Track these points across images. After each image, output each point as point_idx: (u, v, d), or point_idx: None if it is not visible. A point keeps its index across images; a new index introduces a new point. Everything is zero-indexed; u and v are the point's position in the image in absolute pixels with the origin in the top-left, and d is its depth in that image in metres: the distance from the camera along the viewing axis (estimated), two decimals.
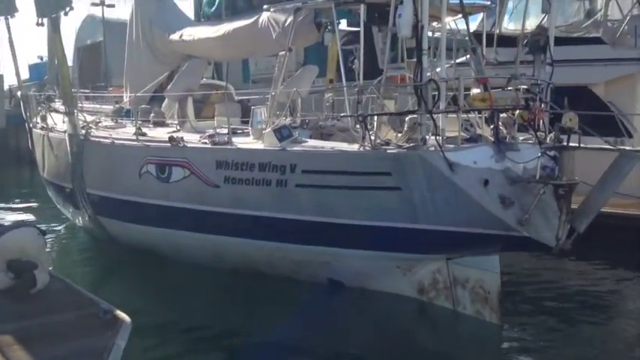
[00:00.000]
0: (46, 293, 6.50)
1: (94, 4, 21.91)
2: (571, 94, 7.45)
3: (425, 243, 7.11)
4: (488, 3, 8.18)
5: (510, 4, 15.00)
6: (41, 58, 17.38)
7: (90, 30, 21.46)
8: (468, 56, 8.58)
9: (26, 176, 20.68)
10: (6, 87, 26.65)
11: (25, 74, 15.90)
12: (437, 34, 8.13)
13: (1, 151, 23.28)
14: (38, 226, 7.15)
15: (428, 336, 7.59)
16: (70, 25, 18.41)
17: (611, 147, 7.30)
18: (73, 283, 6.86)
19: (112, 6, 21.81)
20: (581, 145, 6.59)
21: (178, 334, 7.35)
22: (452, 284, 7.48)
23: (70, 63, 15.16)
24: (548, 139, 7.10)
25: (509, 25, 15.36)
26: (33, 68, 18.87)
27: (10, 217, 13.37)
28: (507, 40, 11.64)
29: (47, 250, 7.49)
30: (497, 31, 9.45)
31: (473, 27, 9.00)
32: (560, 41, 12.40)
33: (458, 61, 9.52)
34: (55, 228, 13.03)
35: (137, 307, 7.28)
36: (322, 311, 7.85)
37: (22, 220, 7.28)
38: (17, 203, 16.22)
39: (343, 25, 13.61)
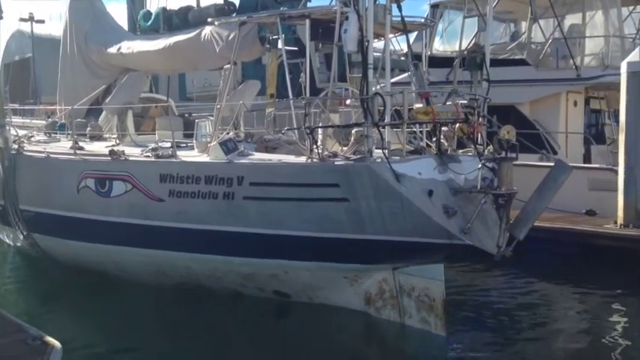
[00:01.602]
0: None
1: (22, 20, 21.11)
2: (499, 113, 7.85)
3: (372, 253, 7.25)
4: (428, 21, 8.47)
5: (440, 27, 15.66)
6: None
7: (18, 46, 20.66)
8: (404, 75, 8.89)
9: None
10: None
11: None
12: (376, 54, 8.37)
13: None
14: None
15: (374, 352, 7.68)
16: None
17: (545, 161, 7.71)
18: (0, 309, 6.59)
19: (42, 21, 21.04)
20: (518, 157, 6.96)
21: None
22: (398, 293, 7.65)
23: None
24: (486, 151, 7.44)
25: (439, 47, 16.01)
26: None
27: None
28: (438, 61, 12.16)
29: None
30: (428, 53, 9.79)
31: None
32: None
33: (392, 80, 9.83)
34: None
35: (69, 333, 7.12)
36: (268, 329, 7.82)
37: None
38: None
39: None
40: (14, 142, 10.28)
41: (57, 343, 5.53)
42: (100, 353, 7.29)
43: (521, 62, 13.60)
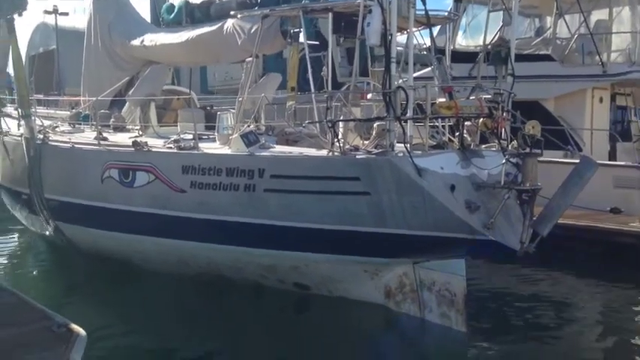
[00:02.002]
0: None
1: (47, 12, 21.35)
2: (523, 109, 7.76)
3: (393, 247, 7.24)
4: (451, 15, 8.37)
5: (463, 21, 15.49)
6: None
7: (43, 38, 20.91)
8: (426, 69, 8.78)
9: None
10: None
11: None
12: (398, 48, 8.32)
13: None
14: None
15: (394, 347, 7.66)
16: (23, 33, 17.82)
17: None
18: (26, 296, 6.69)
19: (66, 14, 21.28)
20: (543, 153, 6.87)
21: (135, 349, 7.24)
22: (418, 287, 7.63)
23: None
24: (510, 146, 7.35)
25: (462, 42, 15.84)
26: None
27: None
28: (461, 56, 12.03)
29: None
30: (451, 47, 9.69)
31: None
32: None
33: (415, 74, 9.77)
34: (9, 239, 12.65)
35: (94, 321, 7.17)
36: (289, 323, 7.86)
37: None
38: None
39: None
40: (39, 132, 10.41)
41: (82, 331, 5.60)
42: (122, 342, 7.38)
43: (547, 58, 13.40)
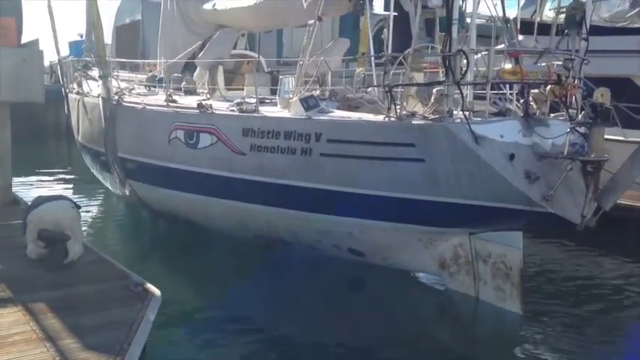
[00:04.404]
0: (78, 264, 6.73)
1: None
2: (613, 86, 7.24)
3: (447, 216, 7.06)
4: None
5: None
6: (81, 36, 17.52)
7: (129, 9, 21.61)
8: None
9: (64, 151, 21.14)
10: (47, 63, 27.09)
11: (64, 51, 16.19)
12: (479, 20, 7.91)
13: (41, 127, 23.67)
14: (74, 199, 7.36)
15: (447, 328, 7.58)
16: (109, 7, 18.46)
17: None
18: (107, 255, 7.05)
19: None
20: (614, 122, 6.44)
21: (208, 312, 7.46)
22: (473, 259, 7.43)
23: (108, 42, 15.30)
24: (580, 116, 6.95)
25: (549, 13, 14.94)
26: (72, 45, 19.03)
27: (48, 192, 13.70)
28: (549, 28, 11.32)
29: (82, 222, 7.66)
30: (538, 19, 9.15)
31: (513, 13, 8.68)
32: (603, 31, 12.08)
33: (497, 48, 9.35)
34: (92, 202, 13.39)
35: (170, 282, 7.50)
36: (345, 300, 7.84)
37: (58, 195, 7.57)
38: (55, 177, 16.61)
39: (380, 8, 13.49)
40: (116, 93, 10.82)
41: (157, 291, 5.90)
42: (198, 305, 7.61)
43: None
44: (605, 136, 6.54)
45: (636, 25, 12.75)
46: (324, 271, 8.49)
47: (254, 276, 8.45)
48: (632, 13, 13.44)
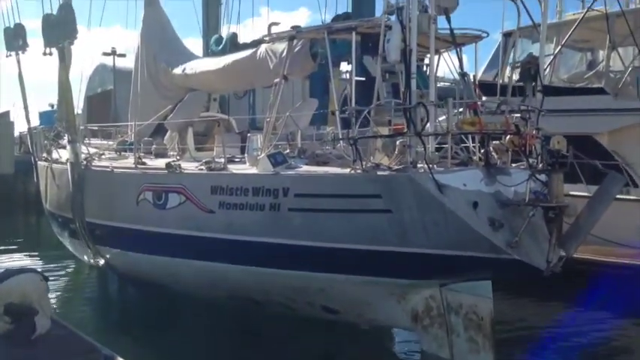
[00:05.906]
0: (47, 339, 6.45)
1: (105, 54, 22.46)
2: (576, 143, 7.48)
3: (416, 267, 7.06)
4: (480, 33, 8.27)
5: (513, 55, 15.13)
6: (52, 106, 17.70)
7: (101, 78, 21.96)
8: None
9: (33, 223, 20.88)
10: (16, 134, 27.08)
11: (35, 121, 16.26)
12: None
13: (9, 197, 23.52)
14: (41, 272, 7.18)
15: None
16: (78, 75, 18.74)
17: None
18: (76, 329, 6.84)
19: (124, 55, 22.34)
20: (574, 162, 6.59)
21: None
22: (445, 311, 7.38)
23: (79, 111, 15.43)
24: (540, 165, 7.12)
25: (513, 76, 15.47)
26: (43, 115, 19.22)
27: (15, 264, 13.35)
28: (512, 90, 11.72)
29: (51, 294, 7.48)
30: (500, 81, 9.49)
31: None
32: (563, 91, 12.51)
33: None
34: (61, 272, 13.02)
35: (142, 354, 7.29)
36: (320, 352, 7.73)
37: (26, 267, 7.39)
38: (23, 249, 16.26)
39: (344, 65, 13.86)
40: (85, 158, 10.82)
41: None
42: None
43: (599, 91, 12.91)
44: (571, 192, 6.70)
45: (595, 86, 13.26)
46: (303, 336, 8.31)
47: (232, 341, 8.25)
48: (590, 74, 14.01)
